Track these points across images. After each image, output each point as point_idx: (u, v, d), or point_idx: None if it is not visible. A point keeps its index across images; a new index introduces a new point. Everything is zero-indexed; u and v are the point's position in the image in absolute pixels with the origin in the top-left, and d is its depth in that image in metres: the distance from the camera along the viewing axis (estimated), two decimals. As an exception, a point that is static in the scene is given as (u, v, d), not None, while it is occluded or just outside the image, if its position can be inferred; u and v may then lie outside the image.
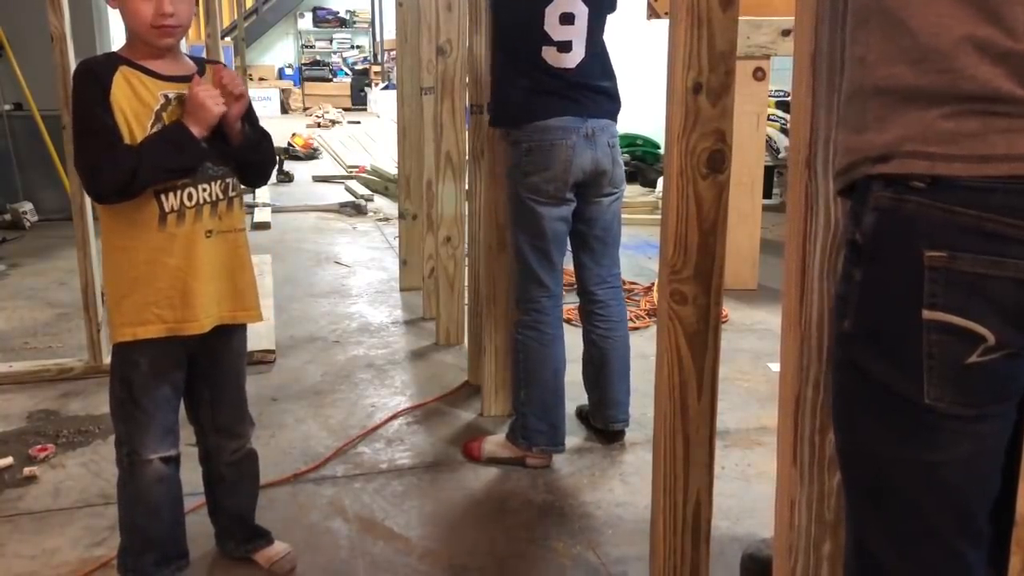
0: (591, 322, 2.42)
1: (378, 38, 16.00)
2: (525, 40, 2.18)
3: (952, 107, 0.83)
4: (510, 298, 2.43)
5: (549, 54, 2.17)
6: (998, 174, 0.82)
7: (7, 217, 5.35)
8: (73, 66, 2.80)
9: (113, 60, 1.60)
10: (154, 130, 1.58)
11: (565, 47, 2.17)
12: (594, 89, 2.22)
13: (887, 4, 0.89)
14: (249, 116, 1.71)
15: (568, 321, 2.47)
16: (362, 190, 6.79)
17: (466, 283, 3.03)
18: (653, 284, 3.95)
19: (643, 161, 6.52)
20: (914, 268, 0.87)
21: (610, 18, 2.31)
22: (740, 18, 1.39)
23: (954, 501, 0.96)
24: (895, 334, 0.91)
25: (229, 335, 1.75)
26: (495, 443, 2.38)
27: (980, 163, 0.82)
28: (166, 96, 1.60)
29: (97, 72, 1.57)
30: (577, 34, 2.18)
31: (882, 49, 0.90)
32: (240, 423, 1.85)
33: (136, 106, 1.57)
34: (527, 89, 2.19)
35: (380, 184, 6.96)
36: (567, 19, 2.16)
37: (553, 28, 2.16)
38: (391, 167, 6.70)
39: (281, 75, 16.13)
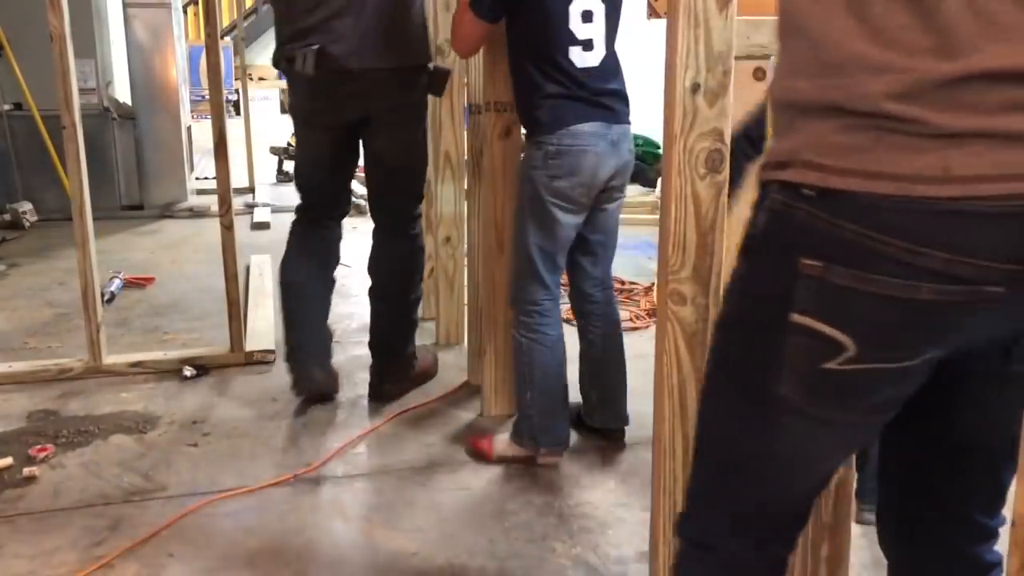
0: (589, 322, 2.42)
1: (378, 38, 15.94)
2: (552, 42, 2.17)
3: (846, 121, 0.84)
4: (508, 296, 2.43)
5: (575, 54, 2.17)
6: (883, 192, 0.82)
7: (7, 217, 5.35)
8: (73, 66, 2.80)
9: None
10: None
11: (589, 46, 2.17)
12: (614, 93, 2.22)
13: (797, 21, 0.90)
14: None
15: (568, 321, 2.48)
16: (362, 190, 6.76)
17: (466, 283, 3.03)
18: (653, 284, 3.95)
19: (643, 161, 6.51)
20: (790, 272, 0.89)
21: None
22: (739, 18, 1.39)
23: (780, 492, 1.03)
24: (762, 329, 0.95)
25: None
26: (504, 443, 2.38)
27: (868, 179, 0.83)
28: None
29: None
30: (597, 32, 2.19)
31: (791, 61, 0.92)
32: None
33: None
34: (556, 95, 2.18)
35: (380, 184, 6.94)
36: (587, 17, 2.17)
37: (577, 26, 2.16)
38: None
39: (281, 75, 16.12)
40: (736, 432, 1.03)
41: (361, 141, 2.64)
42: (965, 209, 0.80)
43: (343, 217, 2.82)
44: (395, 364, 2.79)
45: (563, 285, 2.55)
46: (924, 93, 0.80)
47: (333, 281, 2.80)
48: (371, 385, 2.79)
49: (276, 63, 2.61)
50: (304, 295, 2.73)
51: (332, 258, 2.77)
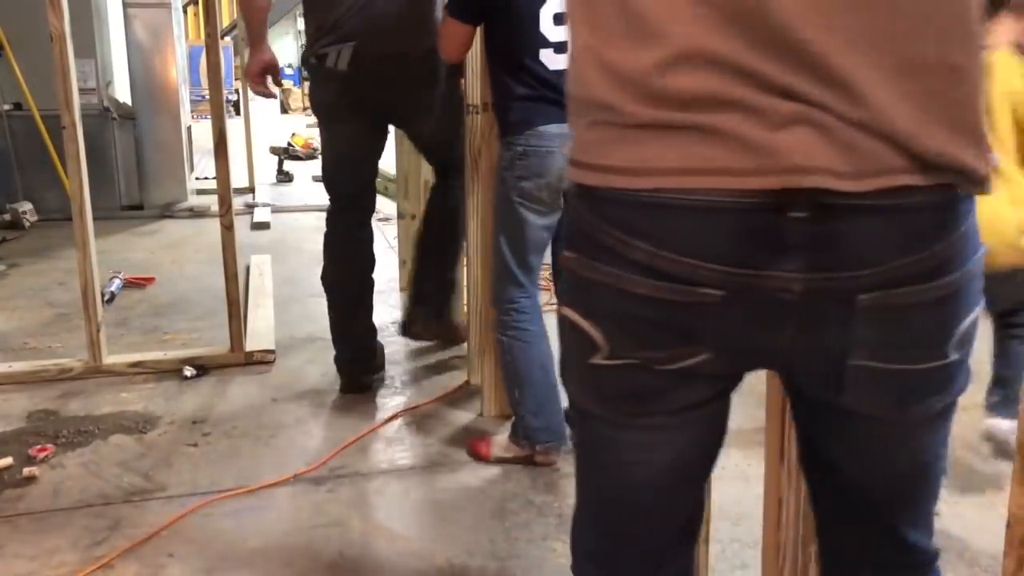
0: None
1: (378, 38, 15.95)
2: (523, 44, 2.18)
3: (588, 117, 0.85)
4: (490, 298, 2.43)
5: (547, 56, 2.17)
6: (594, 184, 0.83)
7: (7, 217, 5.35)
8: (73, 66, 2.81)
9: None
10: None
11: (562, 48, 2.18)
12: None
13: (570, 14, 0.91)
14: None
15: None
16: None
17: (466, 283, 3.03)
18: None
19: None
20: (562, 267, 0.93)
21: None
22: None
23: (627, 506, 0.99)
24: (560, 329, 0.97)
25: None
26: (501, 444, 2.38)
27: (593, 172, 0.84)
28: None
29: None
30: None
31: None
32: None
33: None
34: (525, 97, 2.19)
35: (380, 184, 6.93)
36: (560, 19, 2.17)
37: (549, 29, 2.17)
38: (390, 167, 6.69)
39: (281, 75, 16.14)
40: (575, 444, 1.05)
41: (398, 128, 2.82)
42: (658, 201, 0.79)
43: (371, 214, 2.87)
44: (432, 287, 3.00)
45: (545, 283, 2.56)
46: (626, 83, 0.80)
47: (372, 282, 2.85)
48: (407, 313, 3.06)
49: (305, 62, 2.66)
50: (345, 298, 2.82)
51: (367, 260, 2.83)
